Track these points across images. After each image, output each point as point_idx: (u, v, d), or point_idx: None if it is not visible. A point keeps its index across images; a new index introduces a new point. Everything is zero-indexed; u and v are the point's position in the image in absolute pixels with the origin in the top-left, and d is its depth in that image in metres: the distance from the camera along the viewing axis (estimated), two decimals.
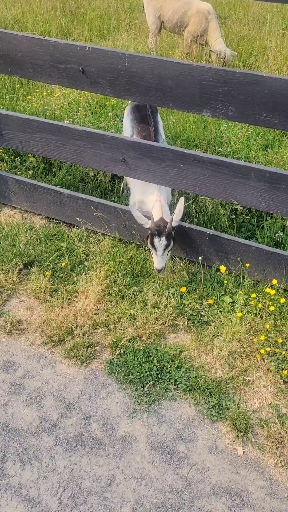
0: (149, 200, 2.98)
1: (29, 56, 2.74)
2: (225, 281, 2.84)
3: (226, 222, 3.18)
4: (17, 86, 4.87)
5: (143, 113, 3.03)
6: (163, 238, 2.68)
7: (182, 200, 2.70)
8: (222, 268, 2.85)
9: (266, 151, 4.25)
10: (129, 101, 3.30)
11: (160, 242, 2.69)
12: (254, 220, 3.32)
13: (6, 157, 3.88)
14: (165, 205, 2.94)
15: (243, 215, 3.34)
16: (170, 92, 2.49)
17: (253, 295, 2.73)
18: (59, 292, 2.82)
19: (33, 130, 3.06)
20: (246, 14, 8.83)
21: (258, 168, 2.54)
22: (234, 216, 3.32)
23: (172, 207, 3.29)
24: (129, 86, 2.58)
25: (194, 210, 3.23)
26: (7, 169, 3.79)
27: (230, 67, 5.70)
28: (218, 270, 2.94)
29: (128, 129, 3.14)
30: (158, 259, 2.72)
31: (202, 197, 3.35)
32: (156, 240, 2.69)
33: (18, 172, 3.78)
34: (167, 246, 2.72)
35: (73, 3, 8.67)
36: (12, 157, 3.89)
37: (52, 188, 3.29)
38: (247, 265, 2.84)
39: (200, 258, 2.91)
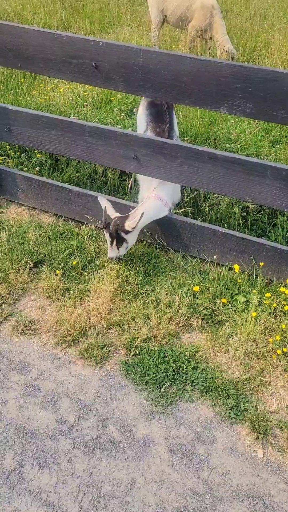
0: None
1: (40, 50, 2.68)
2: (239, 280, 2.81)
3: (240, 220, 3.14)
4: (21, 80, 4.79)
5: (159, 109, 2.98)
6: (107, 234, 2.79)
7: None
8: (236, 267, 2.82)
9: (274, 147, 4.21)
10: (143, 97, 3.24)
11: (107, 236, 2.80)
12: (265, 218, 3.29)
13: (12, 153, 3.82)
14: (153, 203, 2.89)
15: (254, 213, 3.31)
16: (186, 88, 2.44)
17: (268, 294, 2.70)
18: (71, 292, 2.78)
19: (42, 127, 3.00)
20: (247, 8, 8.76)
21: (275, 166, 2.51)
22: (245, 213, 3.28)
23: (179, 205, 3.26)
24: (144, 82, 2.53)
25: (206, 209, 3.19)
26: (13, 165, 3.74)
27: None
28: (231, 268, 2.90)
29: (142, 125, 3.09)
30: (108, 249, 2.85)
31: (215, 195, 3.31)
32: (105, 232, 2.82)
33: (25, 169, 3.72)
34: (111, 242, 2.80)
35: None
36: (18, 153, 3.84)
37: (61, 185, 3.24)
38: (261, 264, 2.81)
39: (214, 257, 2.88)
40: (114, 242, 2.79)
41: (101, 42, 2.50)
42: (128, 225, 2.75)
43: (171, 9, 5.55)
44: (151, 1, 5.69)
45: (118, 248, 2.82)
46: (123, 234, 2.77)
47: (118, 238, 2.78)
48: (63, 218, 3.39)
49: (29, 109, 3.36)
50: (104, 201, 2.89)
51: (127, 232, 2.76)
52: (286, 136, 4.40)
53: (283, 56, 6.08)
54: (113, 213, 2.87)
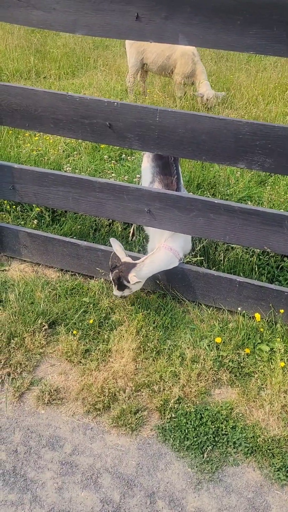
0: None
1: (51, 111, 2.65)
2: (261, 329, 2.80)
3: (256, 269, 3.16)
4: (9, 132, 4.72)
5: (166, 161, 3.00)
6: (111, 275, 2.83)
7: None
8: (257, 316, 2.81)
9: (261, 187, 4.32)
10: None
11: (111, 277, 2.84)
12: (272, 261, 3.33)
13: (8, 207, 3.72)
14: (163, 254, 2.89)
15: (260, 256, 3.35)
16: (204, 145, 2.47)
17: None
18: (92, 353, 2.67)
19: (50, 184, 2.95)
20: (211, 50, 9.13)
21: None
22: (252, 257, 3.31)
23: (190, 254, 3.25)
24: (160, 141, 2.54)
25: (221, 257, 3.19)
26: (10, 219, 3.63)
27: (215, 107, 5.81)
28: (250, 317, 2.89)
29: (148, 177, 3.09)
30: (114, 289, 2.87)
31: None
32: (110, 273, 2.84)
33: (22, 222, 3.63)
34: (115, 285, 2.82)
35: (36, 41, 8.67)
36: (14, 206, 3.74)
37: (68, 241, 3.17)
38: (281, 311, 2.82)
39: (239, 308, 2.87)
40: (117, 286, 2.83)
41: (115, 103, 2.50)
42: (131, 277, 2.75)
43: (151, 58, 5.68)
44: (130, 51, 5.80)
45: (121, 291, 2.85)
46: (125, 282, 2.78)
47: (120, 285, 2.80)
48: (69, 272, 3.30)
49: (34, 167, 3.30)
50: (116, 244, 2.89)
51: (129, 282, 2.76)
52: (270, 175, 4.53)
53: (252, 96, 6.30)
54: (123, 257, 2.87)
